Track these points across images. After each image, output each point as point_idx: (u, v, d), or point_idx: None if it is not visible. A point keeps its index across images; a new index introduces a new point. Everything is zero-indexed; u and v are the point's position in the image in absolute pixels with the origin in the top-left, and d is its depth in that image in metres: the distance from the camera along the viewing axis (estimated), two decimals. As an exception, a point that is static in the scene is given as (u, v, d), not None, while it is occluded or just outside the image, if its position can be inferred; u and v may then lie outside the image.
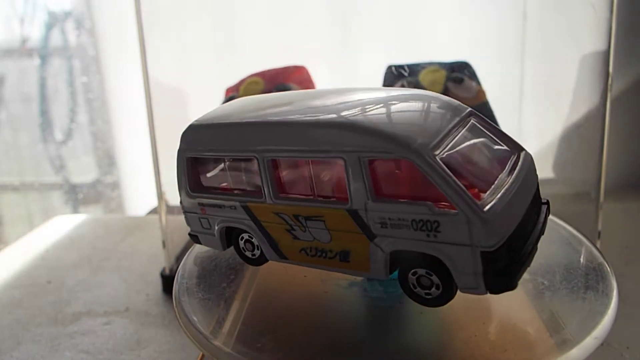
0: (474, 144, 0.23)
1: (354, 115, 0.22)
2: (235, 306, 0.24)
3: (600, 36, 0.41)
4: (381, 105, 0.23)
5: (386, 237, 0.21)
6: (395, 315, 0.22)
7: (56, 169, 1.03)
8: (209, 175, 0.27)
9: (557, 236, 0.29)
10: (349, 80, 0.65)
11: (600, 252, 0.26)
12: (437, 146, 0.21)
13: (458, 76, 0.52)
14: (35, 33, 0.98)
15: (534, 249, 0.21)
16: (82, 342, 0.40)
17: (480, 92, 0.52)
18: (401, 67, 0.54)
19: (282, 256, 0.25)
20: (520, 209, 0.21)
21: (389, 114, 0.22)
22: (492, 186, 0.21)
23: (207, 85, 0.61)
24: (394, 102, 0.23)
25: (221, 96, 0.54)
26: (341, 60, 0.66)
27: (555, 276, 0.24)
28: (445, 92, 0.51)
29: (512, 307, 0.23)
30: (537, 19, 0.59)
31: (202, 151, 0.26)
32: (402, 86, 0.52)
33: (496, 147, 0.24)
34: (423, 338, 0.22)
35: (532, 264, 0.26)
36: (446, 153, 0.21)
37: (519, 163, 0.23)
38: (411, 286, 0.22)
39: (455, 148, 0.21)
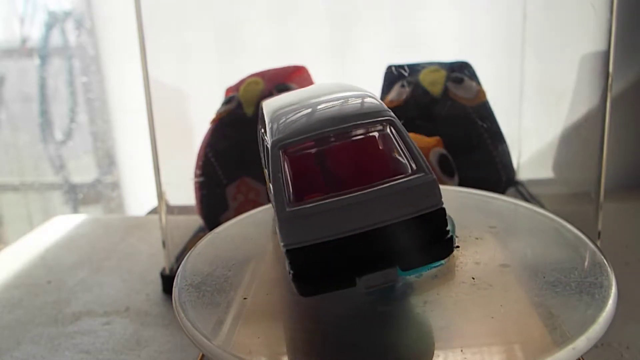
0: (345, 151, 0.22)
1: (284, 108, 0.24)
2: (235, 306, 0.24)
3: (600, 36, 0.41)
4: (311, 102, 0.24)
5: None
6: (394, 314, 0.23)
7: (56, 169, 1.03)
8: None
9: (557, 235, 0.29)
10: (349, 80, 0.65)
11: (600, 251, 0.26)
12: (290, 144, 0.21)
13: (458, 76, 0.52)
14: (35, 33, 0.98)
15: (374, 274, 0.20)
16: (82, 342, 0.40)
17: (480, 92, 0.52)
18: (401, 67, 0.54)
19: None
20: (349, 225, 0.20)
21: (302, 110, 0.23)
22: (333, 194, 0.20)
23: (207, 85, 0.61)
24: (320, 102, 0.24)
25: (221, 96, 0.54)
26: (341, 60, 0.66)
27: (555, 274, 0.24)
28: (445, 92, 0.51)
29: (511, 304, 0.23)
30: (537, 19, 0.59)
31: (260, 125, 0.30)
32: (402, 86, 0.52)
33: (382, 161, 0.22)
34: (419, 337, 0.22)
35: (532, 261, 0.26)
36: (299, 153, 0.21)
37: (391, 183, 0.20)
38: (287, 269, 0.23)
39: (315, 150, 0.22)
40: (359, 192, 0.20)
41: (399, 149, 0.22)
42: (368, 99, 0.23)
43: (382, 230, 0.20)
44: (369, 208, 0.20)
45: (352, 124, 0.21)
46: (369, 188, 0.20)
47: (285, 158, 0.22)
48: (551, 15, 0.59)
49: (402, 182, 0.20)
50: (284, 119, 0.23)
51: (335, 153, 0.22)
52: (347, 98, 0.24)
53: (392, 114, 0.22)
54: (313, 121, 0.22)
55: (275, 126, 0.22)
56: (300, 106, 0.24)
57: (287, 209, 0.20)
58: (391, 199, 0.20)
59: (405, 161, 0.22)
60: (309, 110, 0.23)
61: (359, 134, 0.22)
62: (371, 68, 0.57)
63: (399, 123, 0.22)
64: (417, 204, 0.20)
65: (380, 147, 0.22)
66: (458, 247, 0.27)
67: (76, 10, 0.95)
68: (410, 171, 0.21)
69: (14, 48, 1.00)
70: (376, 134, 0.22)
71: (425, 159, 0.21)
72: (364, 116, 0.22)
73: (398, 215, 0.20)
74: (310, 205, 0.20)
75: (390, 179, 0.21)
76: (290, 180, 0.22)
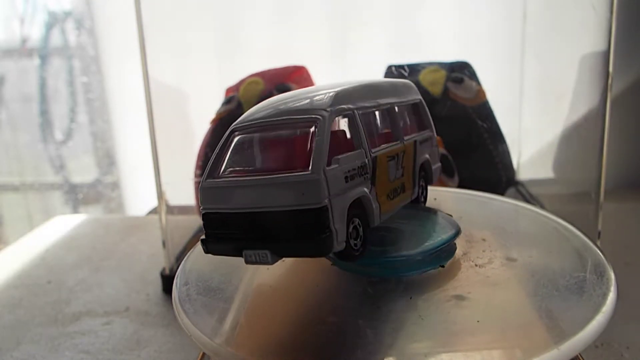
0: (282, 141, 0.24)
1: (263, 106, 0.26)
2: (235, 305, 0.24)
3: (600, 36, 0.41)
4: (281, 100, 0.26)
5: None
6: (392, 313, 0.23)
7: (56, 169, 1.03)
8: None
9: (556, 234, 0.29)
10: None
11: (600, 250, 0.26)
12: (241, 129, 0.24)
13: (458, 76, 0.52)
14: (35, 33, 0.98)
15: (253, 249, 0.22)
16: (82, 342, 0.40)
17: (480, 92, 0.52)
18: (401, 67, 0.54)
19: None
20: (239, 203, 0.22)
21: (268, 106, 0.25)
22: (240, 175, 0.23)
23: (207, 85, 0.61)
24: (286, 100, 0.25)
25: (221, 96, 0.54)
26: (341, 60, 0.66)
27: (554, 274, 0.24)
28: (446, 92, 0.51)
29: (510, 303, 0.23)
30: (537, 19, 0.59)
31: None
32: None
33: (301, 155, 0.24)
34: (418, 335, 0.22)
35: (532, 261, 0.26)
36: (247, 136, 0.24)
37: (279, 175, 0.22)
38: None
39: (257, 135, 0.24)
40: (253, 177, 0.23)
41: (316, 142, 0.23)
42: (317, 98, 0.24)
43: (261, 214, 0.22)
44: (255, 192, 0.22)
45: (282, 117, 0.24)
46: (263, 175, 0.23)
47: (246, 142, 0.24)
48: (551, 15, 0.59)
49: (287, 175, 0.22)
50: (251, 112, 0.25)
51: (273, 142, 0.24)
52: (311, 96, 0.25)
53: (323, 113, 0.23)
54: (261, 113, 0.25)
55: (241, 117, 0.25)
56: (271, 104, 0.26)
57: (207, 179, 0.23)
58: (273, 189, 0.22)
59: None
60: (272, 107, 0.25)
61: (296, 126, 0.24)
62: (371, 68, 0.57)
63: (323, 124, 0.23)
64: (294, 199, 0.22)
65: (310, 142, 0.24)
66: (443, 266, 0.26)
67: (76, 10, 0.95)
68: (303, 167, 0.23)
69: (14, 48, 1.00)
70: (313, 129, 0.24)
71: (322, 160, 0.22)
72: (297, 112, 0.24)
73: (275, 205, 0.22)
74: (219, 180, 0.23)
75: (286, 171, 0.22)
76: (243, 160, 0.24)
